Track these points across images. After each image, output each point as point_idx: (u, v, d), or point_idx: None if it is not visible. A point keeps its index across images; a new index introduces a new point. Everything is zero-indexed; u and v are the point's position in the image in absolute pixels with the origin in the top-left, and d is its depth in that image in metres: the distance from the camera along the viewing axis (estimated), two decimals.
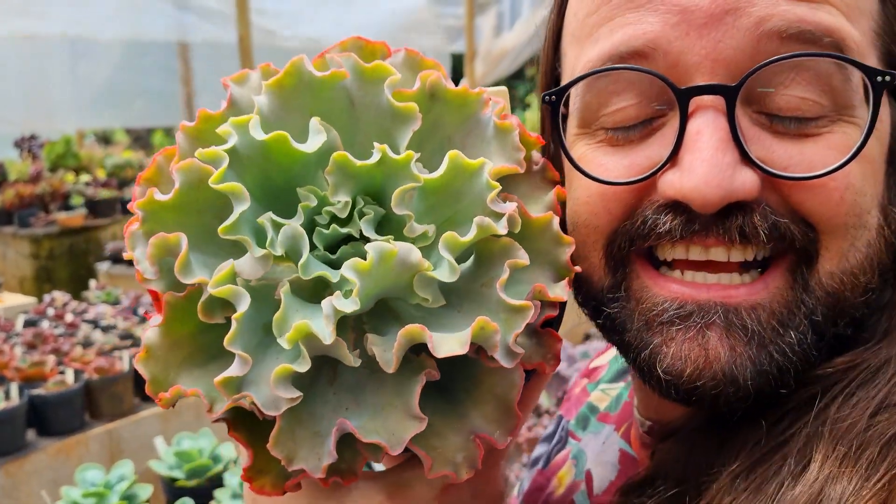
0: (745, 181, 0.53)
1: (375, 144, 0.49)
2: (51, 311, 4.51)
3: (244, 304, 0.45)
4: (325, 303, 0.45)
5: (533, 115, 10.40)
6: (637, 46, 0.55)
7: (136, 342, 3.93)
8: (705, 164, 0.53)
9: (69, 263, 6.94)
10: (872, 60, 0.55)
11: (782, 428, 0.54)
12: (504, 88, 0.58)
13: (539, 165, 0.55)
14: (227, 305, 0.47)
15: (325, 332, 0.44)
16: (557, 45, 0.68)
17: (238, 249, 0.48)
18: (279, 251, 0.47)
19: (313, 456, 0.48)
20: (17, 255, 6.89)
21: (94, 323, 4.28)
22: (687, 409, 0.63)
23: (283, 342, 0.44)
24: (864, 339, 0.58)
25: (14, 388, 3.11)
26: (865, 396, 0.52)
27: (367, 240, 0.50)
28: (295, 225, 0.48)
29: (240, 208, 0.47)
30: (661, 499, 0.57)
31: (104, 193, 7.37)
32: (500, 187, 0.49)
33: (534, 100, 10.92)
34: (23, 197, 7.10)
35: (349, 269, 0.45)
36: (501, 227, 0.48)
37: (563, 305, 0.56)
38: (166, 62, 7.58)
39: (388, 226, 0.51)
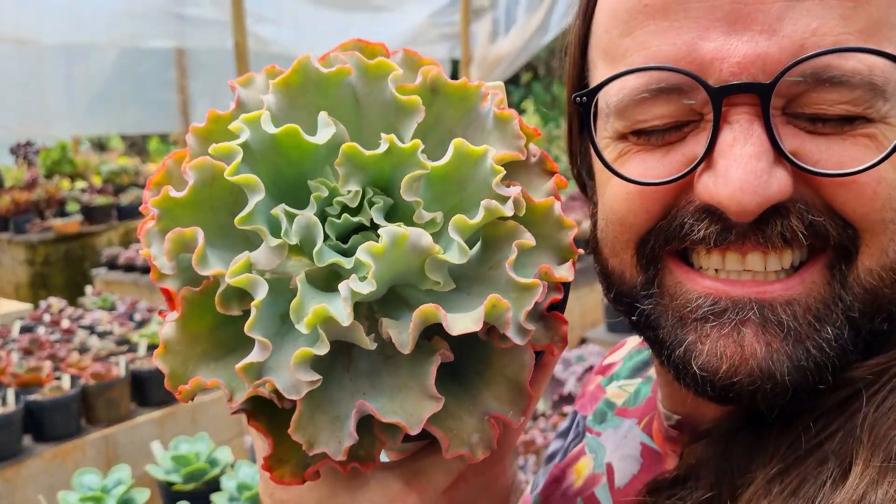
0: (781, 182, 0.54)
1: (382, 135, 0.51)
2: (47, 318, 4.51)
3: (262, 292, 0.46)
4: (341, 286, 0.46)
5: (529, 121, 10.41)
6: (669, 82, 0.56)
7: (132, 348, 3.93)
8: (741, 171, 0.53)
9: (65, 270, 6.93)
10: None
11: (817, 430, 0.54)
12: (500, 83, 0.59)
13: (537, 157, 0.57)
14: (243, 297, 0.48)
15: (343, 314, 0.45)
16: (585, 52, 0.68)
17: (251, 245, 0.49)
18: (294, 240, 0.49)
19: (334, 440, 0.49)
20: (12, 262, 6.89)
21: (91, 329, 4.28)
22: (717, 406, 0.62)
23: (302, 327, 0.45)
24: None
25: (10, 394, 3.11)
26: None
27: (377, 230, 0.51)
28: (309, 214, 0.49)
29: (255, 199, 0.48)
30: (694, 501, 0.57)
31: (100, 200, 7.37)
32: (505, 171, 0.51)
33: (529, 105, 10.95)
34: (18, 203, 7.10)
35: (364, 253, 0.46)
36: (508, 209, 0.50)
37: (567, 290, 0.57)
38: (162, 69, 7.58)
39: (397, 215, 0.53)
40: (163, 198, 0.50)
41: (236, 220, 0.48)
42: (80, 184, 8.02)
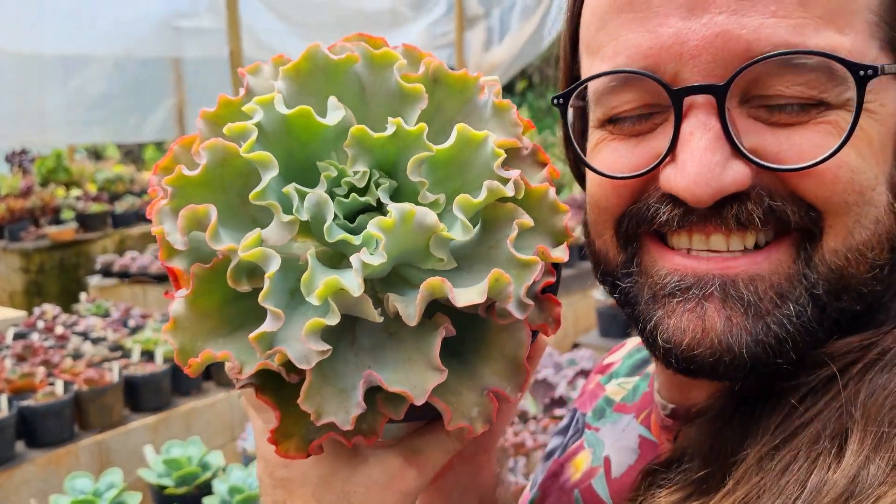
0: (736, 176, 0.56)
1: (389, 119, 0.53)
2: (41, 324, 4.51)
3: (275, 264, 0.48)
4: (353, 258, 0.48)
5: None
6: (636, 67, 0.59)
7: (125, 353, 3.93)
8: (696, 164, 0.56)
9: (59, 277, 6.92)
10: (872, 52, 0.57)
11: (806, 407, 0.55)
12: (496, 77, 0.62)
13: (529, 149, 0.59)
14: (252, 274, 0.50)
15: (355, 285, 0.47)
16: (575, 51, 0.71)
17: (258, 226, 0.51)
18: (305, 216, 0.51)
19: (342, 410, 0.50)
20: (7, 269, 6.88)
21: (84, 335, 4.28)
22: (711, 392, 0.64)
23: (313, 299, 0.47)
24: (879, 320, 0.59)
25: (3, 400, 3.11)
26: (892, 379, 0.53)
27: (382, 211, 0.53)
28: (319, 192, 0.51)
29: (269, 175, 0.50)
30: (687, 479, 0.58)
31: (95, 207, 7.37)
32: (505, 154, 0.53)
33: (524, 113, 10.96)
34: (13, 211, 7.10)
35: (374, 227, 0.48)
36: (510, 190, 0.52)
37: (559, 275, 0.59)
38: (158, 77, 7.60)
39: (401, 197, 0.54)
40: (176, 176, 0.51)
41: (251, 195, 0.50)
42: (76, 191, 8.02)
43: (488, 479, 0.77)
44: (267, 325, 0.47)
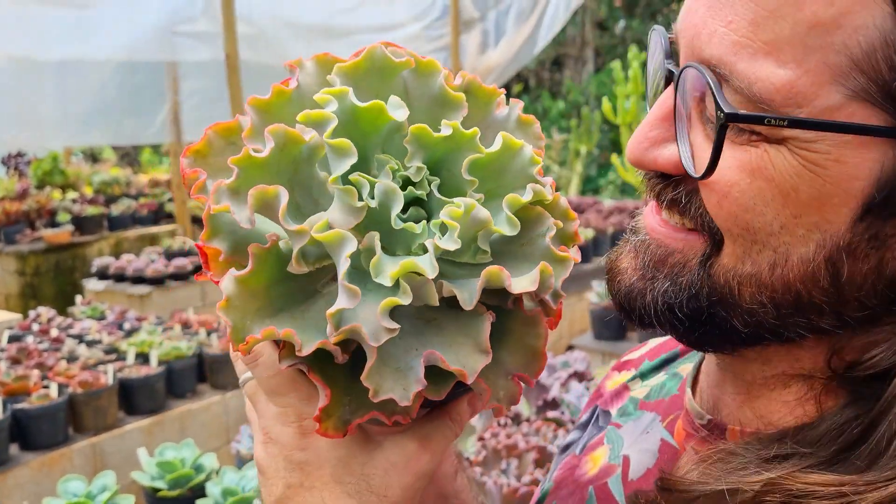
0: (659, 158, 0.59)
1: (444, 122, 0.57)
2: (36, 327, 4.51)
3: (351, 245, 0.51)
4: (427, 242, 0.52)
5: None
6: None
7: (120, 356, 3.94)
8: (636, 133, 0.60)
9: (55, 280, 6.92)
10: (824, 97, 0.50)
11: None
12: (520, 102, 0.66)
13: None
14: (310, 257, 0.54)
15: (429, 266, 0.51)
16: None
17: (303, 213, 0.54)
18: (374, 203, 0.54)
19: (398, 387, 0.54)
20: (2, 272, 6.88)
21: (79, 338, 4.29)
22: (754, 412, 0.65)
23: (385, 279, 0.50)
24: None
25: None
26: None
27: (425, 206, 0.58)
28: (388, 181, 0.55)
29: (349, 162, 0.53)
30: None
31: (91, 210, 7.37)
32: (542, 162, 0.58)
33: None
34: (9, 214, 7.10)
35: (447, 215, 0.53)
36: (549, 193, 0.57)
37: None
38: (154, 80, 7.60)
39: (444, 193, 0.59)
40: (244, 157, 0.54)
41: (331, 178, 0.53)
42: (72, 194, 8.02)
43: (447, 474, 0.80)
44: (343, 302, 0.50)
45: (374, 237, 0.53)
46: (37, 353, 3.81)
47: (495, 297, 0.56)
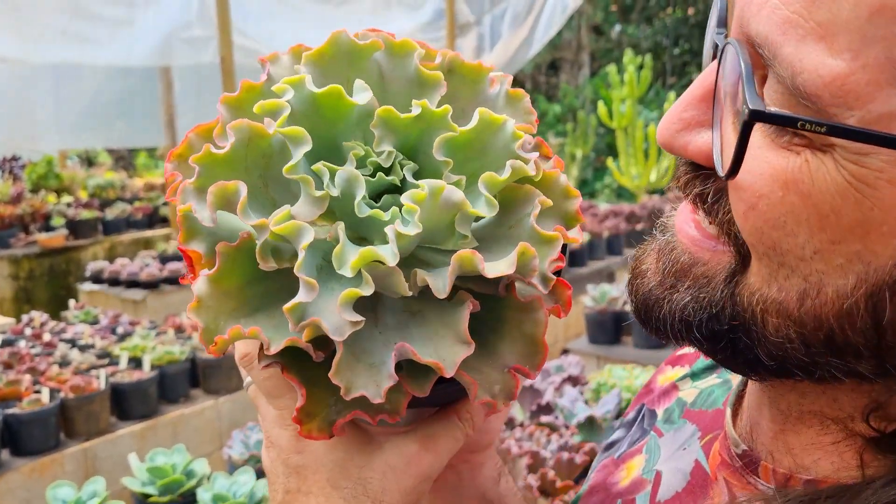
0: (689, 145, 0.51)
1: (414, 101, 0.54)
2: (28, 331, 4.49)
3: (308, 236, 0.49)
4: (388, 229, 0.49)
5: None
6: None
7: (113, 361, 3.92)
8: (669, 112, 0.52)
9: (49, 284, 6.90)
10: (882, 99, 0.40)
11: None
12: (508, 75, 0.63)
13: (532, 143, 0.60)
14: (277, 253, 0.51)
15: (390, 254, 0.48)
16: None
17: (280, 205, 0.52)
18: (336, 192, 0.52)
19: (372, 383, 0.51)
20: None
21: (72, 342, 4.26)
22: (798, 447, 0.56)
23: (346, 270, 0.48)
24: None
25: None
26: None
27: (403, 192, 0.54)
28: (349, 168, 0.53)
29: (302, 150, 0.51)
30: None
31: (85, 214, 7.35)
32: (525, 136, 0.54)
33: None
34: (3, 217, 7.07)
35: (408, 199, 0.49)
36: (531, 169, 0.53)
37: (567, 258, 0.60)
38: (148, 84, 7.60)
39: (422, 178, 0.55)
40: (204, 154, 0.52)
41: (284, 168, 0.50)
42: (66, 198, 8.00)
43: (489, 477, 0.76)
44: (301, 296, 0.48)
45: (339, 227, 0.51)
46: (29, 357, 3.79)
47: (488, 285, 0.54)
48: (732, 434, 0.65)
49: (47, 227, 7.27)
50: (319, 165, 0.52)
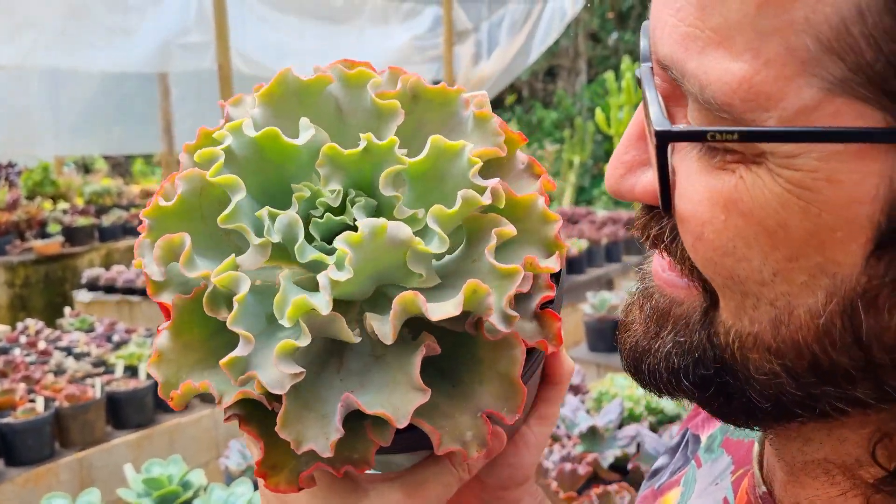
0: (636, 186, 0.49)
1: (360, 135, 0.52)
2: (23, 339, 4.46)
3: (244, 286, 0.47)
4: (320, 276, 0.47)
5: None
6: None
7: (108, 369, 3.88)
8: (612, 157, 0.51)
9: (45, 291, 6.86)
10: (794, 93, 0.38)
11: None
12: (484, 92, 0.60)
13: (525, 163, 0.58)
14: (231, 300, 0.49)
15: (322, 303, 0.46)
16: None
17: (242, 251, 0.51)
18: (276, 238, 0.50)
19: (322, 436, 0.48)
20: None
21: (68, 350, 4.23)
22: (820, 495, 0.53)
23: (285, 321, 0.46)
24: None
25: None
26: None
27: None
28: (290, 213, 0.51)
29: (237, 197, 0.49)
30: None
31: (81, 221, 7.33)
32: (481, 163, 0.52)
33: (512, 127, 11.00)
34: None
35: (342, 242, 0.47)
36: (486, 198, 0.50)
37: (559, 288, 0.57)
38: (146, 89, 7.58)
39: (381, 214, 0.54)
40: (153, 208, 0.52)
41: (219, 218, 0.49)
42: (63, 205, 7.98)
43: None
44: (238, 350, 0.46)
45: (280, 274, 0.49)
46: (24, 366, 3.75)
47: (457, 322, 0.50)
48: (757, 473, 0.62)
49: (43, 234, 7.24)
50: (262, 212, 0.51)
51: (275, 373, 0.46)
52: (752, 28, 0.38)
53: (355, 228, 0.52)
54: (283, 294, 0.47)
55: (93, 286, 6.28)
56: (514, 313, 0.49)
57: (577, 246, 6.01)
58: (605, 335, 4.19)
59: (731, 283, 0.44)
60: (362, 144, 0.52)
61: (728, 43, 0.39)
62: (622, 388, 2.85)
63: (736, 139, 0.39)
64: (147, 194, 9.06)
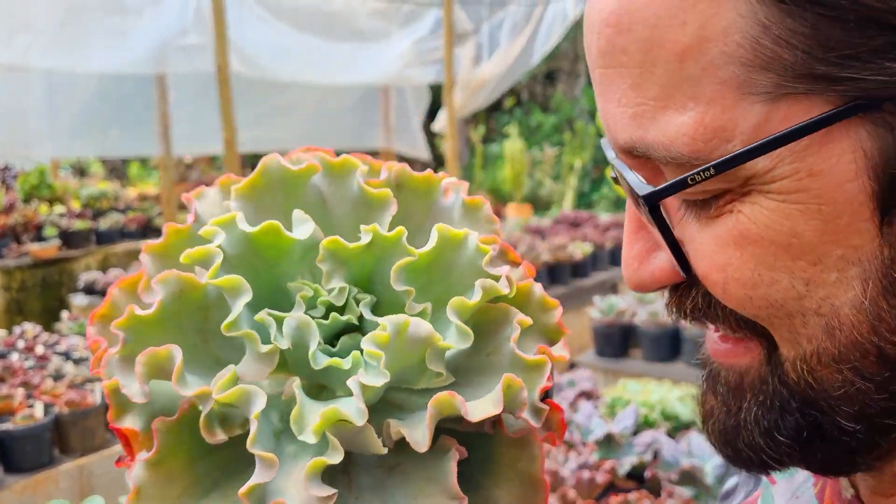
0: (656, 272, 0.50)
1: (362, 227, 0.49)
2: (21, 344, 4.39)
3: (260, 402, 0.42)
4: (350, 381, 0.42)
5: (512, 146, 10.46)
6: None
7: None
8: (623, 258, 0.52)
9: (42, 295, 6.80)
10: (747, 118, 0.42)
11: None
12: (458, 180, 0.57)
13: (497, 250, 0.54)
14: (225, 420, 0.44)
15: (356, 412, 0.41)
16: None
17: (224, 364, 0.45)
18: (285, 344, 0.45)
19: None
20: None
21: (66, 355, 4.18)
22: None
23: (309, 436, 0.41)
24: None
25: None
26: None
27: (363, 330, 0.48)
28: (299, 314, 0.46)
29: (242, 300, 0.44)
30: None
31: (78, 224, 7.28)
32: (492, 251, 0.49)
33: (513, 129, 10.98)
34: None
35: (370, 343, 0.43)
36: (503, 287, 0.48)
37: (553, 376, 0.55)
38: (143, 92, 7.52)
39: (382, 311, 0.50)
40: (128, 318, 0.44)
41: (223, 325, 0.44)
42: (59, 208, 7.92)
43: None
44: (259, 476, 0.40)
45: (294, 383, 0.44)
46: (22, 371, 3.69)
47: (470, 422, 0.46)
48: (843, 479, 0.61)
49: (39, 238, 7.19)
50: (264, 315, 0.45)
51: (305, 497, 0.41)
52: (684, 81, 0.42)
53: (358, 328, 0.49)
54: (300, 407, 0.42)
55: (90, 290, 6.24)
56: (544, 406, 0.47)
57: (581, 250, 5.98)
58: (613, 340, 4.14)
59: (774, 310, 0.45)
60: (367, 237, 0.48)
61: (671, 102, 0.43)
62: (635, 394, 2.81)
63: (713, 174, 0.42)
64: (144, 198, 9.00)
